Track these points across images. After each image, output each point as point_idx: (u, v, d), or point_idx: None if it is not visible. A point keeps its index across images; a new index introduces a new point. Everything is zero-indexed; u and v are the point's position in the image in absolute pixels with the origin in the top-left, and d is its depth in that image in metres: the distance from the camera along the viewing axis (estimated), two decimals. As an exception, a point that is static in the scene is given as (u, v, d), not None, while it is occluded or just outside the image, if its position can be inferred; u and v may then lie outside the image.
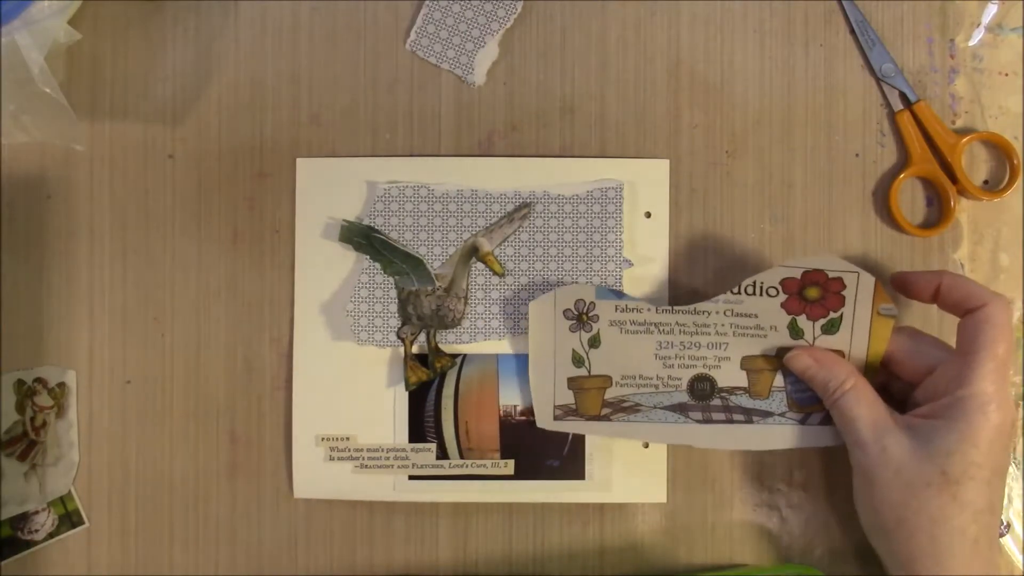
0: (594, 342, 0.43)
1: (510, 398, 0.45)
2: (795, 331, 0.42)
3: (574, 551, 0.45)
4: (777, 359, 0.43)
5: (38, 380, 0.45)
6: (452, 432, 0.45)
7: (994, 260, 0.46)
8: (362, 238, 0.45)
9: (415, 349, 0.45)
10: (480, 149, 0.46)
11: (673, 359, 0.43)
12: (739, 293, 0.42)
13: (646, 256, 0.45)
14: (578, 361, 0.43)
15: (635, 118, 0.46)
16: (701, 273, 0.45)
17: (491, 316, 0.45)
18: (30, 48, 0.39)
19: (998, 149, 0.46)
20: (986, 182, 0.46)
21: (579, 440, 0.45)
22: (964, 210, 0.46)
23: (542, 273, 0.45)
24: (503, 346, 0.45)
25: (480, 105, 0.46)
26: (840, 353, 0.42)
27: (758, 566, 0.45)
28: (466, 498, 0.45)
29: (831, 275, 0.42)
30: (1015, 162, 0.45)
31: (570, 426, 0.44)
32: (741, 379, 0.43)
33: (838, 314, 0.42)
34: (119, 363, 0.45)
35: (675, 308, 0.43)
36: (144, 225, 0.46)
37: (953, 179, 0.45)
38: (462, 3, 0.45)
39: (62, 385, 0.45)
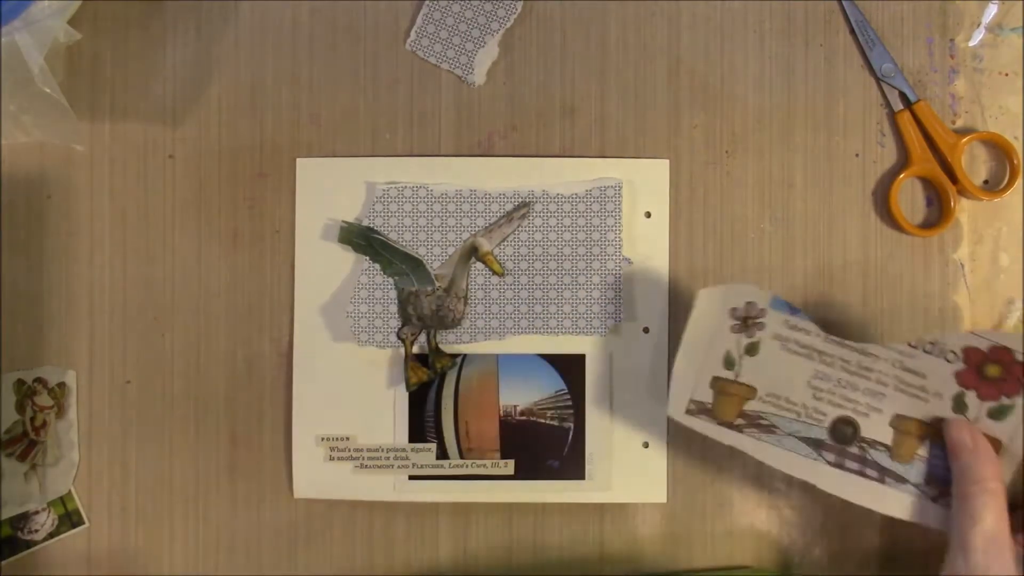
0: (752, 350, 0.41)
1: (510, 398, 0.45)
2: (959, 406, 0.40)
3: (574, 551, 0.45)
4: (929, 427, 0.40)
5: (38, 380, 0.45)
6: (452, 432, 0.45)
7: (994, 260, 0.46)
8: (362, 239, 0.45)
9: (415, 349, 0.45)
10: (480, 149, 0.46)
11: (824, 393, 0.41)
12: (916, 348, 0.40)
13: (646, 256, 0.45)
14: (729, 363, 0.41)
15: (635, 118, 0.46)
16: (701, 273, 0.45)
17: (491, 316, 0.45)
18: (30, 48, 0.39)
19: (998, 149, 0.46)
20: (986, 182, 0.46)
21: (579, 440, 0.45)
22: (964, 210, 0.46)
23: (542, 273, 0.45)
24: (503, 346, 0.45)
25: (480, 105, 0.46)
26: (997, 442, 0.40)
27: (757, 568, 0.45)
28: (466, 498, 0.45)
29: (1018, 357, 0.39)
30: (1015, 162, 0.45)
31: (699, 425, 0.41)
32: (886, 435, 0.41)
33: (1011, 402, 0.40)
34: (119, 363, 0.45)
35: (844, 341, 0.41)
36: (144, 225, 0.46)
37: (953, 179, 0.45)
38: (462, 3, 0.45)
39: (62, 385, 0.45)
